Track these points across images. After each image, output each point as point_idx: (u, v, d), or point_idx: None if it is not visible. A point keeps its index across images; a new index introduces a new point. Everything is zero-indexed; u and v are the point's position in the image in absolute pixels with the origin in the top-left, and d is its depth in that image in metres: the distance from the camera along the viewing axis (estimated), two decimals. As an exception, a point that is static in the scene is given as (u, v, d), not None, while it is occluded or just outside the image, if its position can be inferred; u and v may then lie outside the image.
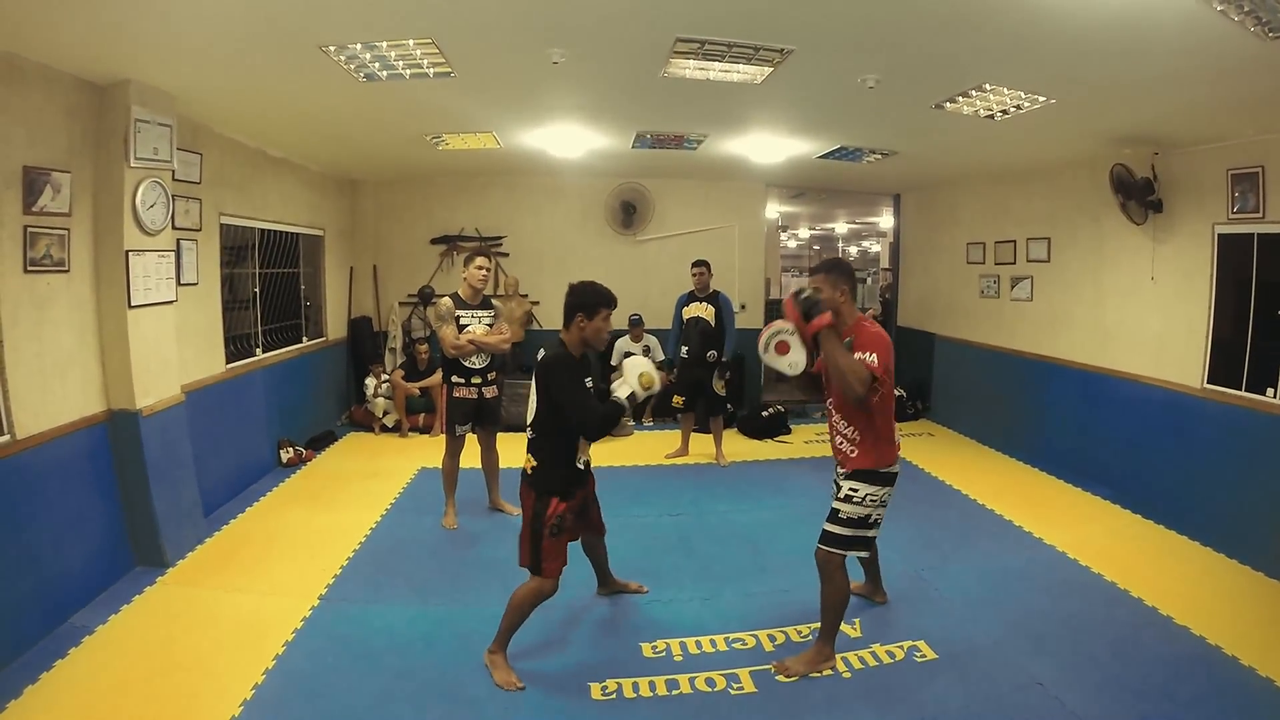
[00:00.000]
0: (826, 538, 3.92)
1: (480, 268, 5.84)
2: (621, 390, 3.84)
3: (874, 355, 3.68)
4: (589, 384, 3.96)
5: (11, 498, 4.12)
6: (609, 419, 3.81)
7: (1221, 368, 5.88)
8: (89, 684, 3.77)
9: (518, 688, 3.85)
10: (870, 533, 3.93)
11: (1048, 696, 3.75)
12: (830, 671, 3.91)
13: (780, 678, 3.90)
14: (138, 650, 4.09)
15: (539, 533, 3.91)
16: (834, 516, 3.92)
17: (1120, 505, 6.53)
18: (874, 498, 3.86)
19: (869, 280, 16.05)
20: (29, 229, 4.26)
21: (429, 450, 8.03)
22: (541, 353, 3.96)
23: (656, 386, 3.90)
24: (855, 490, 3.88)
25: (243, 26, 3.95)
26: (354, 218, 10.11)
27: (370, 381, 9.24)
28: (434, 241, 10.27)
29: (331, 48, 4.29)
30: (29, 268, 4.28)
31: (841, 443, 3.98)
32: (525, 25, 4.01)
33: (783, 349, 3.95)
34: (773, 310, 11.10)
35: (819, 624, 4.04)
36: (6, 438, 4.12)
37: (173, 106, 5.17)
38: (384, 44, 4.27)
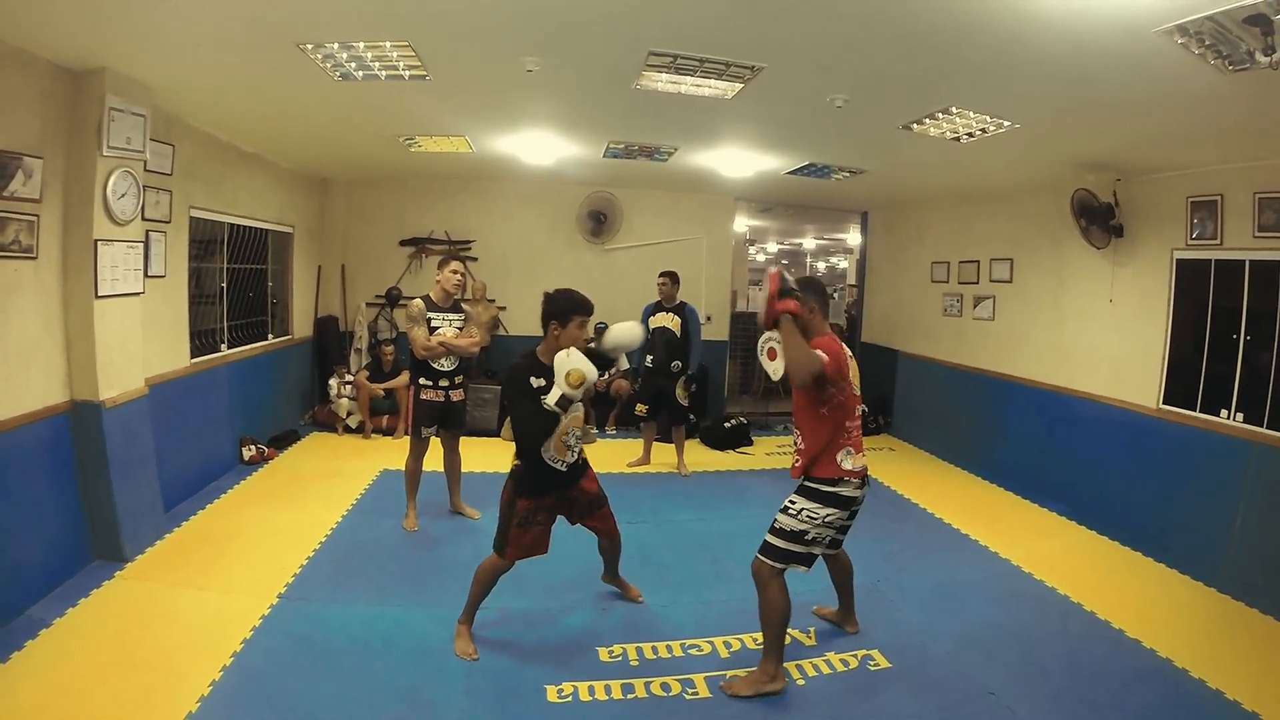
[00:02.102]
0: (762, 546, 3.93)
1: (455, 271, 5.84)
2: (551, 397, 3.85)
3: (822, 352, 3.72)
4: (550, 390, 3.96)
5: (-30, 487, 4.08)
6: (541, 430, 3.94)
7: (1177, 389, 6.03)
8: (46, 677, 3.74)
9: (472, 658, 4.08)
10: (808, 549, 3.88)
11: (999, 706, 3.82)
12: (779, 690, 3.89)
13: (726, 693, 3.90)
14: (95, 645, 4.06)
15: (509, 519, 4.13)
16: (771, 525, 3.94)
17: (1076, 521, 6.66)
18: (811, 514, 3.83)
19: (835, 296, 16.18)
20: (-2, 213, 4.24)
21: (391, 452, 8.02)
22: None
23: (590, 379, 3.85)
24: (793, 502, 3.90)
25: (221, 20, 3.95)
26: (324, 216, 10.07)
27: (334, 382, 9.20)
28: (403, 243, 10.25)
29: (309, 46, 4.31)
30: (-3, 253, 4.26)
31: (794, 449, 4.04)
32: (501, 33, 4.04)
33: (772, 355, 4.02)
34: (738, 323, 11.19)
35: None
36: (-34, 426, 4.09)
37: (148, 97, 5.15)
38: (361, 44, 4.29)
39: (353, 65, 4.64)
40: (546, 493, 4.18)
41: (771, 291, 3.84)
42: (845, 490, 3.84)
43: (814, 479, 3.87)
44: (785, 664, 4.01)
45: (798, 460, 3.97)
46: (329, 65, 4.63)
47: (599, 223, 10.30)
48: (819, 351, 3.72)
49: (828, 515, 3.83)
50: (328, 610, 4.58)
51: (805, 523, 3.83)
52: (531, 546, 4.17)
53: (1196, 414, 5.82)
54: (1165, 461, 6.04)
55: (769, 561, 3.88)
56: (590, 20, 3.82)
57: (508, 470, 4.23)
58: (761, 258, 21.41)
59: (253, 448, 7.64)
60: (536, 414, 3.89)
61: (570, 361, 3.83)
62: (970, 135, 5.51)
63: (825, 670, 4.16)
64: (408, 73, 4.77)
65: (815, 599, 4.64)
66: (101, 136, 4.79)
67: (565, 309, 4.04)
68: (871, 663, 4.24)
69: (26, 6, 3.79)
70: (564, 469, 4.18)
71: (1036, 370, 7.65)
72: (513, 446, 4.15)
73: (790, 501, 3.91)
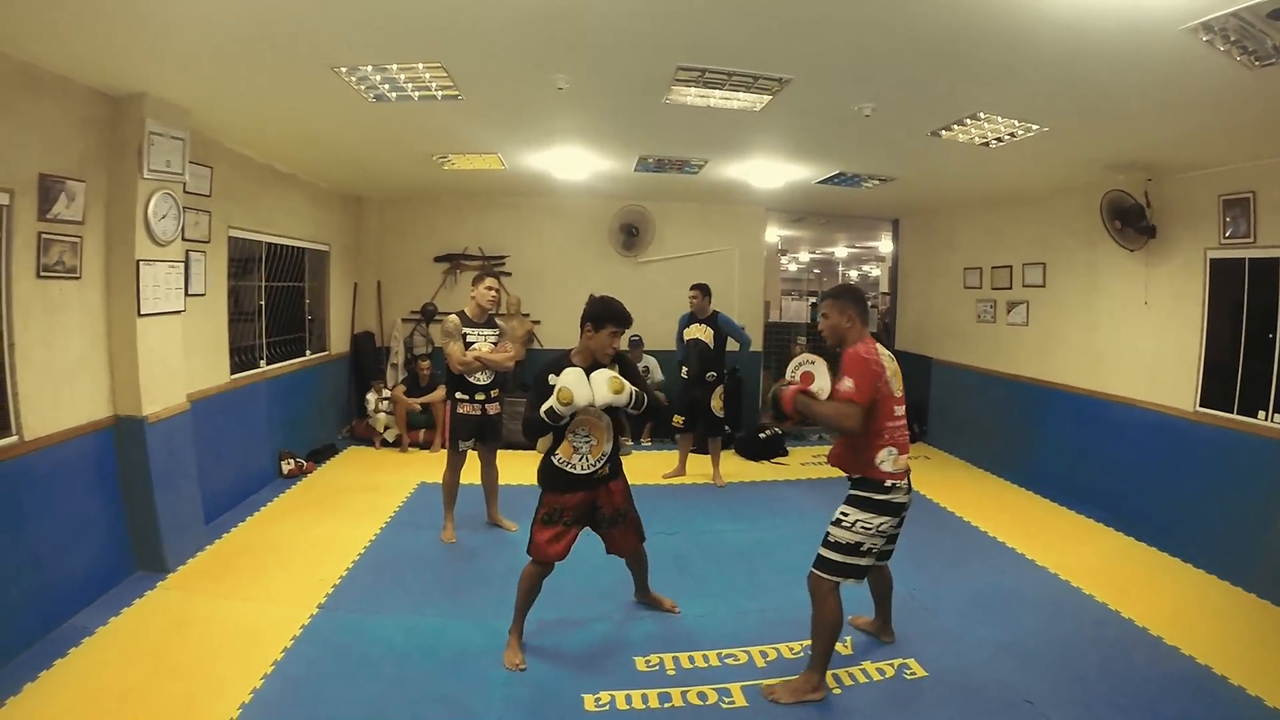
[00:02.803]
0: (817, 560, 3.90)
1: (490, 287, 5.91)
2: (543, 405, 4.04)
3: (848, 380, 3.71)
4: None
5: (17, 498, 4.21)
6: (530, 425, 4.15)
7: (1214, 390, 5.95)
8: (88, 684, 3.83)
9: (519, 668, 4.16)
10: (862, 561, 3.84)
11: (1036, 714, 3.79)
12: (819, 699, 3.89)
13: (766, 699, 3.91)
14: (137, 652, 4.15)
15: (535, 515, 4.31)
16: (825, 539, 3.90)
17: (1112, 527, 6.59)
18: (865, 525, 3.80)
19: (873, 304, 16.14)
20: (43, 235, 4.36)
21: (428, 465, 8.12)
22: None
23: (576, 402, 3.98)
24: (846, 514, 3.86)
25: (257, 45, 4.05)
26: (359, 234, 10.21)
27: (371, 397, 9.30)
28: (437, 259, 10.34)
29: (343, 69, 4.40)
30: (42, 273, 4.37)
31: (836, 451, 4.03)
32: (532, 52, 4.10)
33: (807, 379, 4.03)
34: (771, 333, 11.20)
35: (806, 643, 4.07)
36: (14, 439, 4.20)
37: (186, 121, 5.27)
38: (394, 66, 4.37)
39: (386, 87, 4.73)
40: (567, 491, 4.28)
41: (785, 399, 3.91)
42: (897, 496, 3.83)
43: (864, 487, 3.84)
44: (822, 672, 4.03)
45: (852, 466, 3.92)
46: (363, 87, 4.72)
47: (631, 236, 10.35)
48: (844, 383, 3.72)
49: (881, 524, 3.81)
50: (367, 620, 4.64)
51: (860, 534, 3.80)
52: (549, 546, 4.24)
53: (1234, 416, 5.74)
54: (1202, 465, 5.95)
55: (826, 576, 3.85)
56: (619, 37, 3.87)
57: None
58: (794, 267, 21.39)
59: (291, 461, 7.75)
60: (536, 408, 4.10)
61: (564, 380, 4.03)
62: (999, 140, 5.51)
63: (862, 679, 4.14)
64: (440, 93, 4.85)
65: (851, 608, 4.62)
66: (142, 160, 4.91)
67: (600, 315, 4.18)
68: (908, 671, 4.22)
69: (65, 35, 3.90)
70: (577, 472, 4.26)
71: (1072, 375, 7.58)
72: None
73: (842, 514, 3.88)
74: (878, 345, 3.92)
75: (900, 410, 3.91)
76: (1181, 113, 4.64)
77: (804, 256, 20.60)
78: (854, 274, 22.49)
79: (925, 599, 5.10)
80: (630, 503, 4.54)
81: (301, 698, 3.79)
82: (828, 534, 3.90)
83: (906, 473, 3.89)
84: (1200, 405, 6.05)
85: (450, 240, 10.35)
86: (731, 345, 7.97)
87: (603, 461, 4.30)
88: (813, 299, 17.40)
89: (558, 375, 4.06)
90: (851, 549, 3.82)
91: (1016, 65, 3.99)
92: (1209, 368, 6.03)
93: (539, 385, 4.14)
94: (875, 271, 20.26)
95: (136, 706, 3.65)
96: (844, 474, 3.99)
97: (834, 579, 3.84)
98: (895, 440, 3.85)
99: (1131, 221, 6.37)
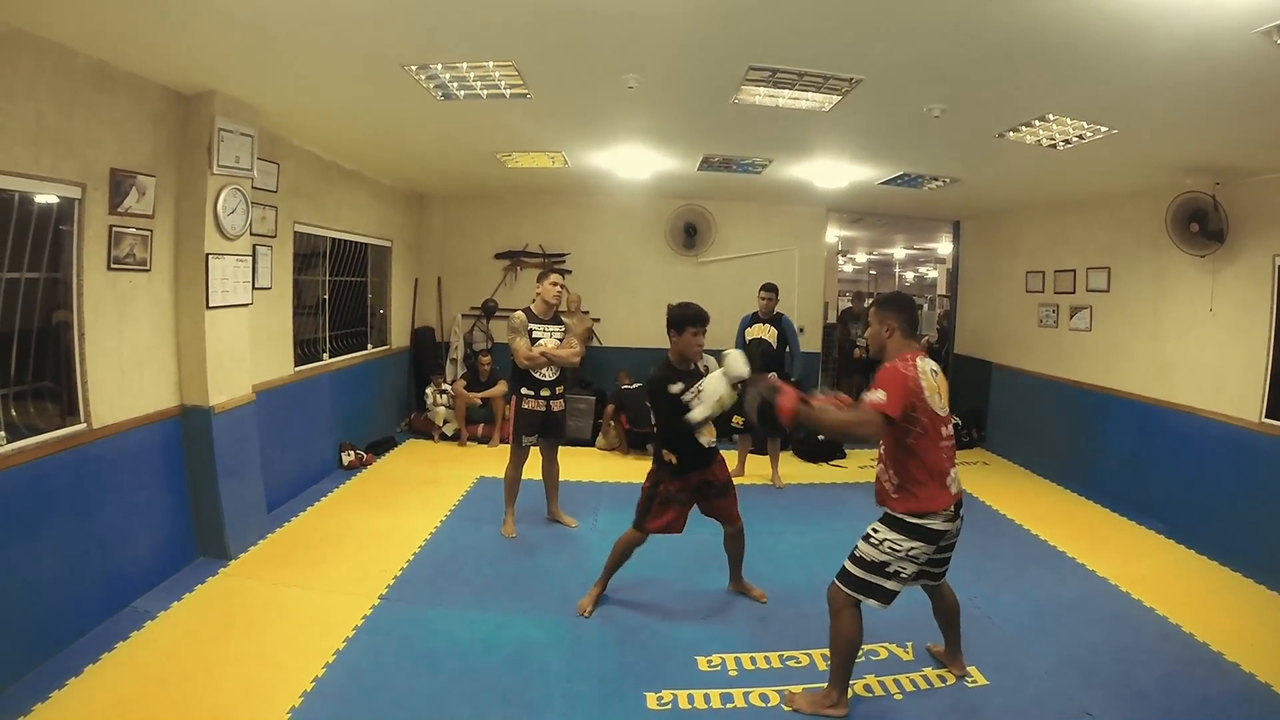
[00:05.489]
0: (840, 572, 3.81)
1: (554, 283, 5.96)
2: (697, 413, 4.34)
3: (880, 392, 3.54)
4: (687, 391, 4.50)
5: (85, 484, 4.32)
6: (680, 435, 4.55)
7: (1282, 401, 5.79)
8: (149, 666, 3.93)
9: (584, 615, 4.73)
10: (887, 583, 3.70)
11: (1097, 728, 3.73)
12: (840, 715, 3.79)
13: (786, 708, 3.86)
14: (198, 637, 4.25)
15: (651, 498, 4.73)
16: (852, 552, 3.80)
17: (1175, 540, 6.44)
18: (893, 546, 3.66)
19: (925, 307, 15.87)
20: (114, 229, 4.47)
21: (487, 460, 8.20)
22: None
23: (725, 403, 4.33)
24: (875, 531, 3.74)
25: (328, 44, 4.11)
26: (421, 230, 10.33)
27: (430, 390, 9.41)
28: (498, 256, 10.43)
29: (413, 67, 4.45)
30: (112, 265, 4.49)
31: (879, 482, 3.87)
32: (604, 50, 4.12)
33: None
34: (831, 335, 11.09)
35: (867, 647, 4.02)
36: (83, 426, 4.32)
37: (255, 118, 5.36)
38: (464, 65, 4.41)
39: (455, 85, 4.78)
40: (690, 473, 4.69)
41: (784, 411, 3.73)
42: (933, 523, 3.66)
43: (900, 511, 3.70)
44: (883, 679, 4.03)
45: (895, 494, 3.74)
46: (432, 85, 4.77)
47: (691, 235, 10.33)
48: (875, 394, 3.56)
49: (911, 549, 3.66)
50: (429, 613, 4.70)
51: (887, 554, 3.68)
52: (670, 524, 4.72)
53: (1302, 428, 5.59)
54: (1269, 478, 5.81)
55: (845, 590, 3.76)
56: (693, 37, 3.88)
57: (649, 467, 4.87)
58: (850, 268, 21.24)
59: (352, 453, 7.85)
60: (677, 413, 4.44)
61: (721, 388, 4.31)
62: (1067, 142, 5.44)
63: (923, 685, 4.11)
64: (509, 91, 4.88)
65: (920, 622, 4.46)
66: (212, 156, 5.01)
67: (680, 320, 4.66)
68: (969, 680, 4.17)
69: (139, 35, 4.00)
70: (710, 447, 4.72)
71: (1135, 383, 7.43)
72: (604, 456, 4.33)
73: (873, 530, 3.77)
74: (921, 360, 3.71)
75: (948, 430, 3.76)
76: (1254, 116, 4.55)
77: (861, 257, 20.46)
78: (910, 276, 22.30)
79: (986, 607, 5.03)
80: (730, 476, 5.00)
81: (364, 688, 3.85)
82: (855, 547, 3.80)
83: (957, 497, 3.74)
84: (1266, 416, 5.91)
85: (511, 238, 10.43)
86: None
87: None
88: (868, 299, 17.26)
89: (676, 380, 4.58)
90: (876, 568, 3.70)
91: (1088, 67, 3.94)
92: (1276, 378, 5.88)
93: (661, 393, 4.58)
94: (933, 274, 20.07)
95: (198, 690, 3.74)
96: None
97: (854, 595, 3.74)
98: (947, 461, 3.72)
99: (1204, 225, 6.22)
